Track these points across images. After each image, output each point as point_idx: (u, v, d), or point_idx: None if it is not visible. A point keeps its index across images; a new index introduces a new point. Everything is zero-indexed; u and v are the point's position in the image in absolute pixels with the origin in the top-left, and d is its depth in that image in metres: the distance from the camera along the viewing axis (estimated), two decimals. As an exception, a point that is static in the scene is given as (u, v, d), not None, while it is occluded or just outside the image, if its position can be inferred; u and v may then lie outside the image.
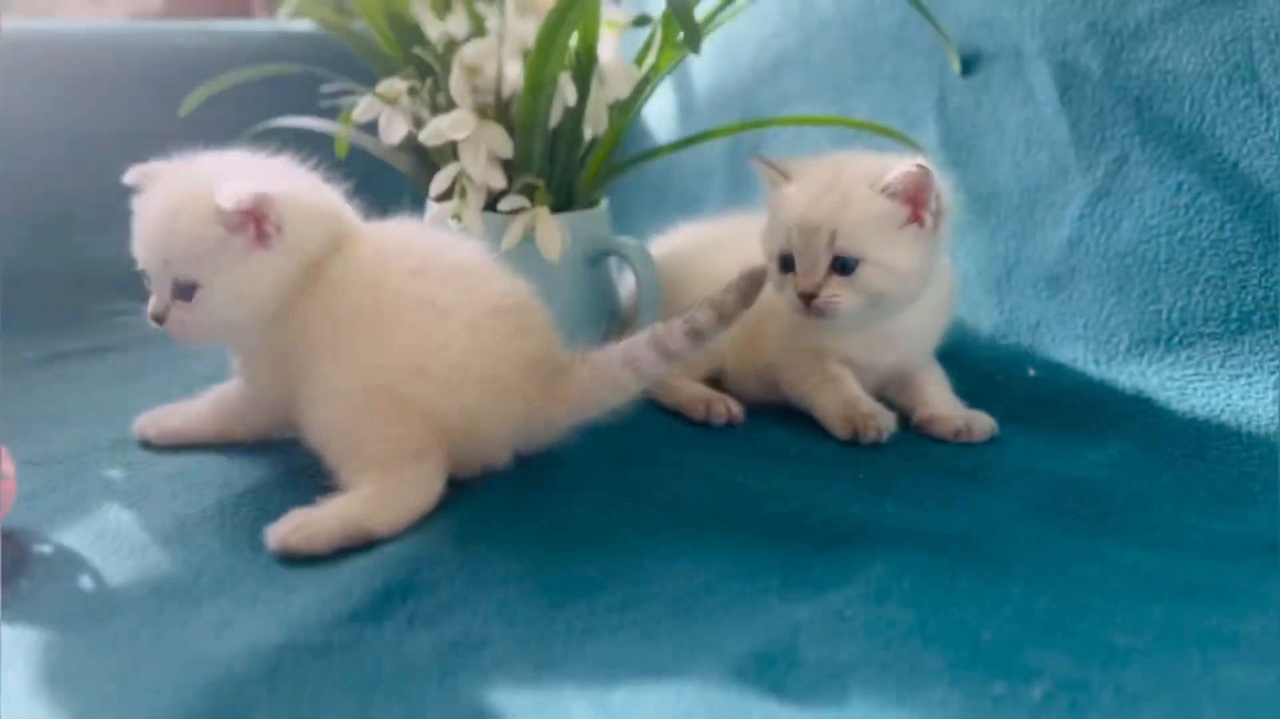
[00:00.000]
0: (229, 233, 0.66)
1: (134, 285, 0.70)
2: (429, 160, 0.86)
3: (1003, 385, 0.82)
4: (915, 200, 0.72)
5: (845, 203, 0.72)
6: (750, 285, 0.65)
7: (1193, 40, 0.79)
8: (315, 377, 0.67)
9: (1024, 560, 0.59)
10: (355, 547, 0.60)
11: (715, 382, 0.84)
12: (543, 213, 0.77)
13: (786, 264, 0.75)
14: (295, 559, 0.60)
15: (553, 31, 0.72)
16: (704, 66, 1.19)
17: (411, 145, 0.83)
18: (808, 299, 0.73)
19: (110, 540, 0.62)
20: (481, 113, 0.77)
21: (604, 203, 0.86)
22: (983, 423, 0.76)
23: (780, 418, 0.80)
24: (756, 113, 1.12)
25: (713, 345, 0.67)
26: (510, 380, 0.66)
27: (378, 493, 0.63)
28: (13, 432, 0.76)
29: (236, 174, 0.68)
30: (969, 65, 0.94)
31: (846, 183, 0.73)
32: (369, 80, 0.86)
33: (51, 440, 0.76)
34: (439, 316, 0.67)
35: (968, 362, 0.85)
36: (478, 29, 0.81)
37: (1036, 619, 0.52)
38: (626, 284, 0.89)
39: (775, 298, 0.76)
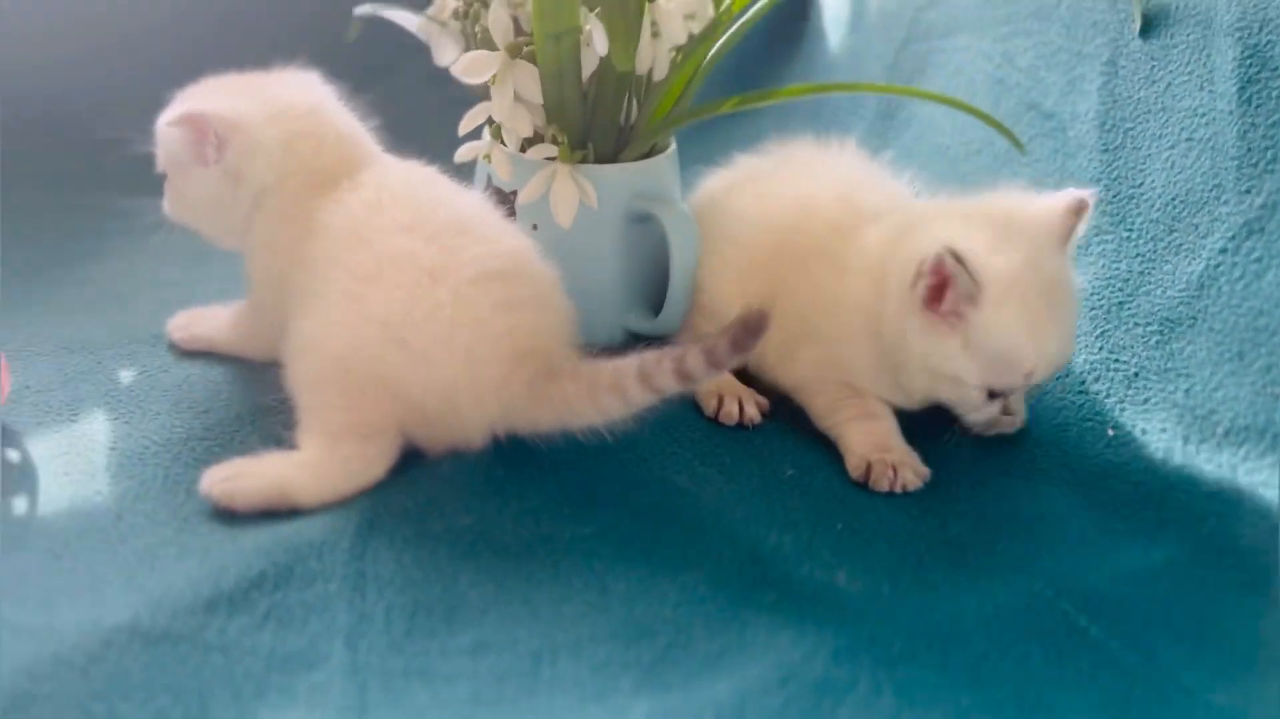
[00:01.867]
0: (186, 142, 0.68)
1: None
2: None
3: (1075, 440, 0.69)
4: None
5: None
6: (747, 334, 0.58)
7: None
8: (296, 322, 0.66)
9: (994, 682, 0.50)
10: (277, 511, 0.61)
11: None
12: (561, 170, 0.70)
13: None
14: (218, 510, 0.61)
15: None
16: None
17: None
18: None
19: (73, 458, 0.65)
20: (515, 50, 0.70)
21: (668, 152, 0.78)
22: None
23: (801, 426, 0.71)
24: (921, 35, 0.97)
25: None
26: (492, 368, 0.63)
27: (313, 463, 0.62)
28: (64, 309, 0.81)
29: (226, 91, 0.70)
30: (1151, 25, 0.76)
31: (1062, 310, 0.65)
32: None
33: (94, 326, 0.80)
34: (426, 281, 0.63)
35: (1048, 399, 0.72)
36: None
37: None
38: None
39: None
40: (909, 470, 0.66)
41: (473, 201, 0.69)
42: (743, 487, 0.66)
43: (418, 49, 0.77)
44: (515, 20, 0.71)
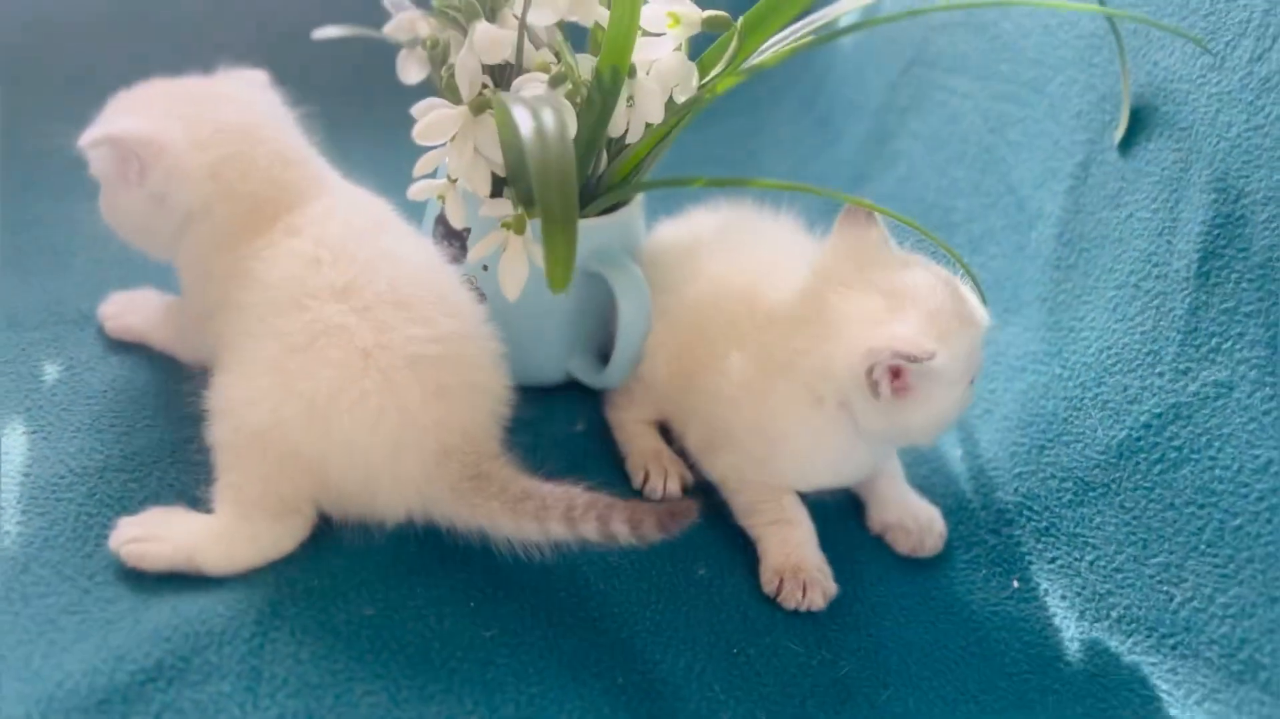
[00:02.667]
0: (109, 161, 0.67)
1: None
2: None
3: (981, 582, 0.71)
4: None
5: None
6: (674, 521, 0.60)
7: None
8: (221, 368, 0.64)
9: None
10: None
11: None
12: (513, 242, 0.68)
13: None
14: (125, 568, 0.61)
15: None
16: None
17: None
18: None
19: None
20: (479, 107, 0.66)
21: (632, 204, 0.75)
22: (934, 534, 0.71)
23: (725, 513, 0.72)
24: (927, 60, 0.93)
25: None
26: (416, 461, 0.63)
27: (224, 534, 0.62)
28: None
29: (157, 105, 0.67)
30: (1130, 138, 0.74)
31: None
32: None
33: (24, 294, 0.77)
34: (358, 361, 0.62)
35: (966, 533, 0.73)
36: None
37: None
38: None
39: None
40: (818, 591, 0.67)
41: (418, 261, 0.67)
42: (652, 585, 0.67)
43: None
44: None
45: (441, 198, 0.70)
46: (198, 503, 0.64)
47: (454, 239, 0.74)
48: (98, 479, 0.66)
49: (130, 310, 0.76)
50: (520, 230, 0.68)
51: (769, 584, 0.68)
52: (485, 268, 0.73)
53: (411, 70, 0.71)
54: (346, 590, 0.63)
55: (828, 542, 0.70)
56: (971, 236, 0.84)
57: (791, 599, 0.67)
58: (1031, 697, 0.64)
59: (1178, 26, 0.70)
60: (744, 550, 0.71)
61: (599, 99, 0.65)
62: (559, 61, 0.68)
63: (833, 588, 0.68)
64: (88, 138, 0.65)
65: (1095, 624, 0.66)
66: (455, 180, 0.69)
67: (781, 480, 0.69)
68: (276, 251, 0.64)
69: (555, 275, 0.51)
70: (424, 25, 0.70)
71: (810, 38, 0.69)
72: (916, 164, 0.92)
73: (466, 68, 0.66)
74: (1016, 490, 0.73)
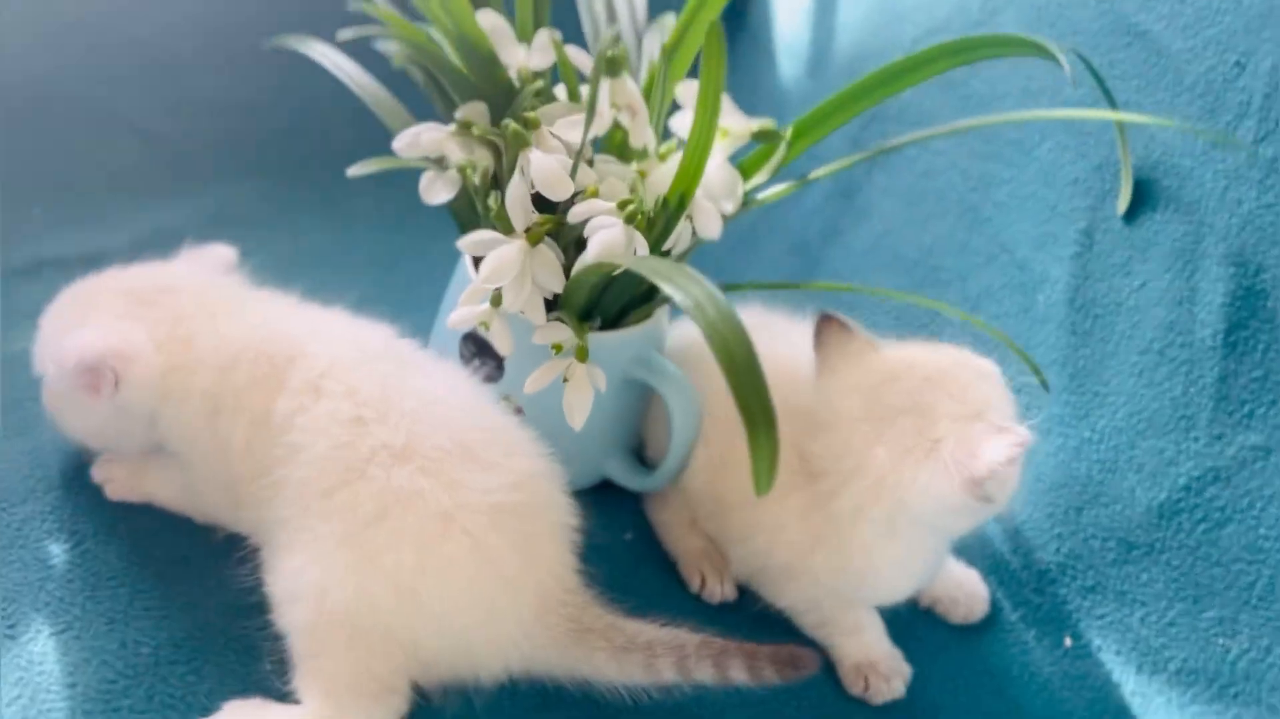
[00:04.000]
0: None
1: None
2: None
3: (1031, 642, 0.74)
4: None
5: None
6: (794, 669, 0.60)
7: None
8: (278, 548, 0.60)
9: None
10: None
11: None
12: (577, 371, 0.65)
13: None
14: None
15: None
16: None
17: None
18: None
19: (24, 697, 0.57)
20: (537, 238, 0.63)
21: (662, 311, 0.73)
22: (981, 599, 0.75)
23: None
24: (892, 115, 0.94)
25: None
26: (515, 622, 0.60)
27: None
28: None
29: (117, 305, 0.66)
30: (1134, 212, 0.78)
31: None
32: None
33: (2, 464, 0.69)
34: (437, 526, 0.58)
35: (1009, 592, 0.77)
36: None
37: None
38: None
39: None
40: (899, 680, 0.69)
41: (461, 396, 0.64)
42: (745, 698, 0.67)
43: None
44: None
45: (485, 325, 0.66)
46: (270, 689, 0.59)
47: (488, 356, 0.70)
48: (153, 677, 0.60)
49: (131, 469, 0.69)
50: (583, 358, 0.65)
51: (855, 684, 0.69)
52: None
53: (440, 192, 0.66)
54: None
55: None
56: (967, 296, 0.86)
57: (879, 695, 0.68)
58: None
59: (1180, 123, 0.73)
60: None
61: (660, 222, 0.63)
62: (601, 180, 0.65)
63: (908, 669, 0.70)
64: (55, 362, 0.63)
65: (1154, 677, 0.71)
66: (498, 304, 0.65)
67: (874, 602, 0.70)
68: (312, 418, 0.60)
69: (762, 478, 0.50)
70: (453, 147, 0.65)
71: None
72: (891, 219, 0.94)
73: (519, 198, 0.62)
74: (1058, 551, 0.76)
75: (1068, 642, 0.74)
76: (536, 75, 0.68)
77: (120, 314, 0.65)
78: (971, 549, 0.78)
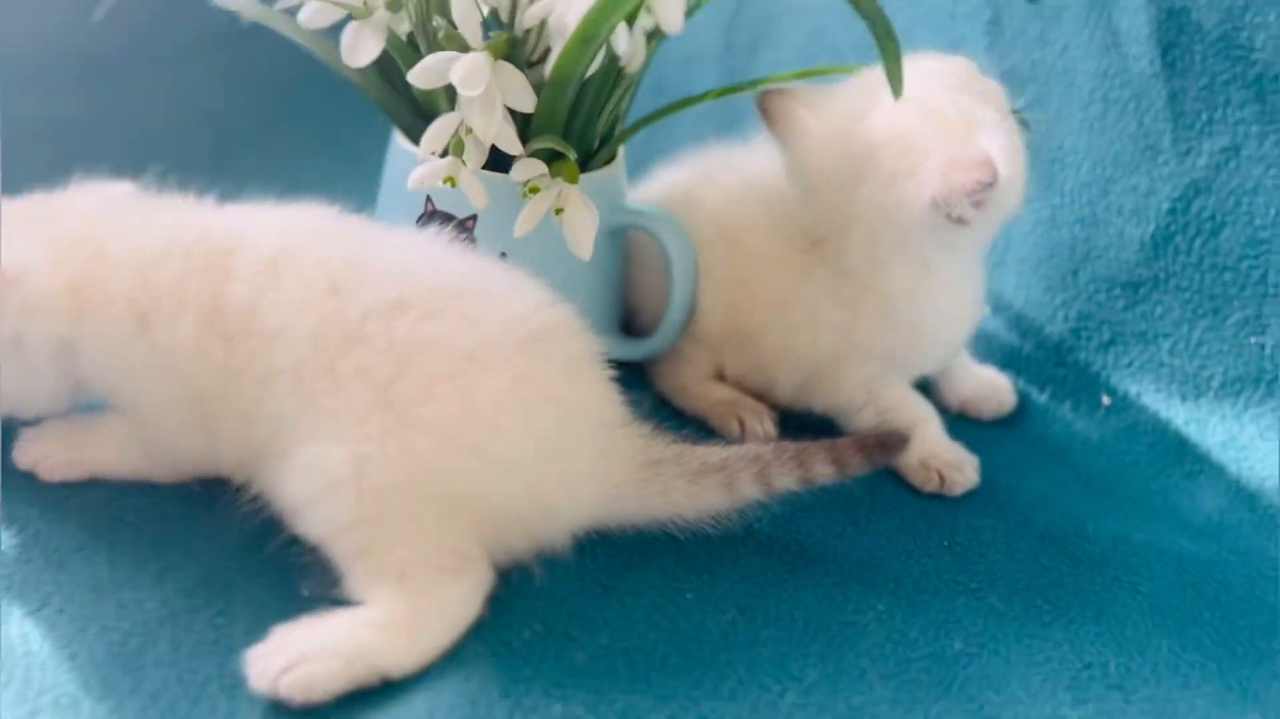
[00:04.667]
0: None
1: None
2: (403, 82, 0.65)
3: (1069, 414, 0.72)
4: None
5: None
6: (883, 451, 0.56)
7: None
8: (301, 450, 0.50)
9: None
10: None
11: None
12: (573, 194, 0.59)
13: None
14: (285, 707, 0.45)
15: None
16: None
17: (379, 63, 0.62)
18: None
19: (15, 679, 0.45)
20: (499, 51, 0.57)
21: (620, 155, 0.68)
22: (1007, 389, 0.72)
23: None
24: (774, 25, 0.93)
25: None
26: (585, 454, 0.53)
27: (399, 618, 0.48)
28: None
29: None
30: (1031, -12, 0.79)
31: None
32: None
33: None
34: (467, 363, 0.50)
35: (1031, 377, 0.74)
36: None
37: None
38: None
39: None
40: (970, 468, 0.65)
41: (442, 251, 0.57)
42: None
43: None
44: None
45: (449, 180, 0.59)
46: (314, 606, 0.49)
47: (456, 228, 0.63)
48: (172, 628, 0.48)
49: (64, 440, 0.57)
50: (574, 178, 0.59)
51: (929, 482, 0.64)
52: (504, 254, 0.63)
53: (368, 47, 0.59)
54: (569, 630, 0.51)
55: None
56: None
57: (956, 485, 0.64)
58: (1176, 482, 0.66)
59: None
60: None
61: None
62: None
63: (974, 457, 0.66)
64: None
65: (1200, 400, 0.69)
66: (463, 151, 0.58)
67: (924, 364, 0.66)
68: (282, 297, 0.51)
69: (895, 79, 0.46)
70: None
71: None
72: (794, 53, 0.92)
73: (467, 12, 0.57)
74: (1065, 319, 0.75)
75: (1105, 400, 0.72)
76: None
77: (8, 233, 0.54)
78: (977, 346, 0.75)
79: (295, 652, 0.46)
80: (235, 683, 0.46)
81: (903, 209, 0.59)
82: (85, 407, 0.58)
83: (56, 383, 0.56)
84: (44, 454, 0.57)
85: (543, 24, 0.59)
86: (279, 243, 0.54)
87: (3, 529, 0.53)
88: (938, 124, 0.59)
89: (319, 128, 0.89)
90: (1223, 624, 0.56)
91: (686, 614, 0.53)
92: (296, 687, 0.45)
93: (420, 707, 0.46)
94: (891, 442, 0.57)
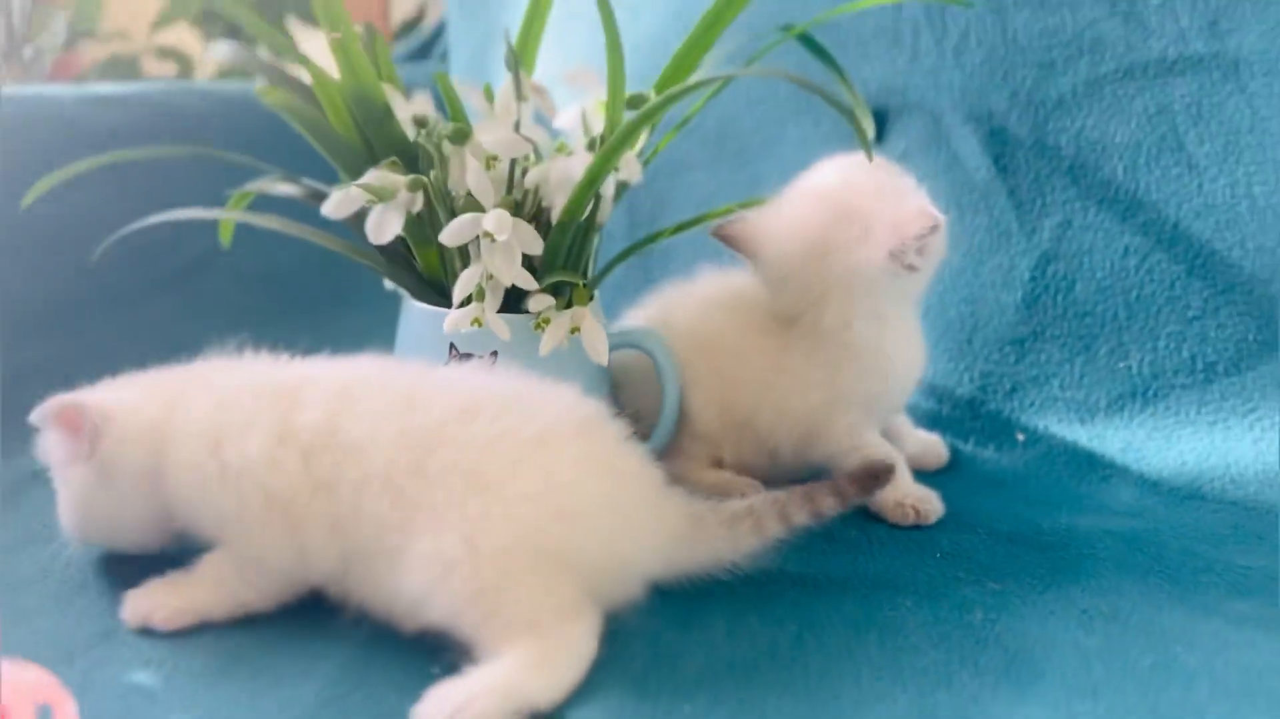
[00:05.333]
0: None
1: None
2: (402, 253, 0.77)
3: (994, 454, 0.86)
4: None
5: None
6: (872, 480, 0.68)
7: (1118, 113, 0.87)
8: (398, 555, 0.58)
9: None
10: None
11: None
12: (586, 314, 0.71)
13: None
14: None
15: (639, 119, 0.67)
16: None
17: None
18: None
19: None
20: (512, 206, 0.69)
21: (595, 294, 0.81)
22: (942, 444, 0.86)
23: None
24: (654, 180, 1.10)
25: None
26: (644, 511, 0.62)
27: (538, 658, 0.55)
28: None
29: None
30: (880, 132, 0.98)
31: None
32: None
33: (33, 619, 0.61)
34: (536, 446, 0.60)
35: (956, 432, 0.89)
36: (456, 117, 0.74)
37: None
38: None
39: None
40: (936, 500, 0.77)
41: (469, 369, 0.69)
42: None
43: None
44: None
45: (477, 322, 0.70)
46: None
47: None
48: (342, 711, 0.54)
49: (169, 592, 0.62)
50: (584, 301, 0.71)
51: (905, 517, 0.76)
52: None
53: (391, 224, 0.71)
54: (670, 657, 0.59)
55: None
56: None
57: (931, 514, 0.76)
58: (1094, 487, 0.81)
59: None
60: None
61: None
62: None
63: (935, 492, 0.78)
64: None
65: (1095, 420, 0.85)
66: (485, 297, 0.70)
67: (895, 402, 0.79)
68: (357, 415, 0.61)
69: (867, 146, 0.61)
70: (395, 178, 0.71)
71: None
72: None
73: (480, 181, 0.69)
74: (970, 380, 0.90)
75: (1020, 437, 0.87)
76: (420, 120, 0.76)
77: (105, 386, 0.66)
78: (909, 415, 0.89)
79: (460, 698, 0.53)
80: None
81: (867, 267, 0.73)
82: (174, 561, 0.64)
83: (145, 510, 0.64)
84: (154, 607, 0.62)
85: (537, 188, 0.72)
86: (348, 375, 0.64)
87: (139, 670, 0.58)
88: (876, 196, 0.74)
89: (320, 318, 1.00)
90: (1167, 569, 0.69)
91: (755, 634, 0.62)
92: (479, 721, 0.52)
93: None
94: (881, 471, 0.69)
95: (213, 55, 0.82)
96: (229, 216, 0.80)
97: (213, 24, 1.61)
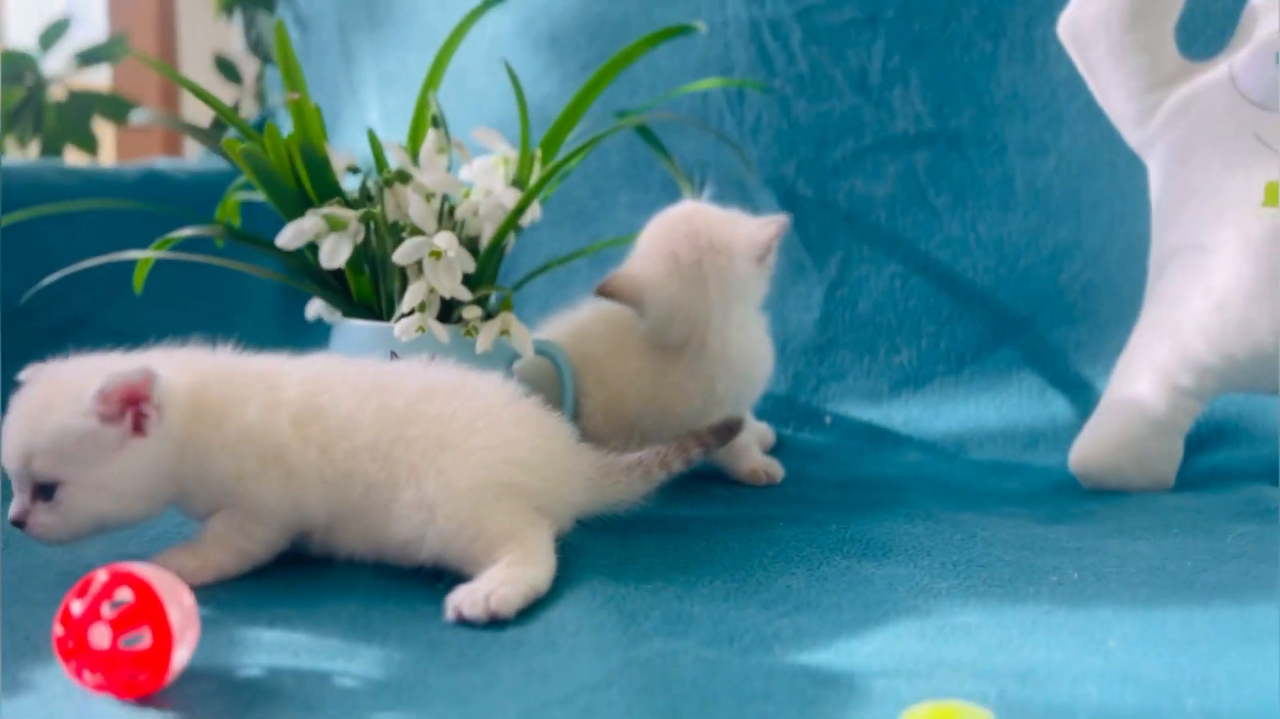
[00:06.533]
0: (101, 424, 0.69)
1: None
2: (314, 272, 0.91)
3: (809, 434, 1.09)
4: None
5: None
6: (728, 433, 0.88)
7: (877, 175, 1.15)
8: (404, 499, 0.72)
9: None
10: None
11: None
12: (512, 319, 0.88)
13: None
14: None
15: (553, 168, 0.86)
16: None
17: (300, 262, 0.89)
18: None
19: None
20: (452, 228, 0.86)
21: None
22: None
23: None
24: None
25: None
26: (579, 463, 0.79)
27: (523, 555, 0.71)
28: None
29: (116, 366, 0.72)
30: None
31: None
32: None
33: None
34: (487, 415, 0.76)
35: (776, 420, 1.11)
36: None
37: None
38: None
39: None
40: (777, 467, 0.98)
41: (414, 364, 0.83)
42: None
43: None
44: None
45: (422, 328, 0.86)
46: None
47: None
48: (396, 603, 0.68)
49: (188, 555, 0.73)
50: (509, 307, 0.89)
51: (760, 479, 0.97)
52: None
53: (342, 251, 0.85)
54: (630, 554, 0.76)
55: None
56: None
57: (778, 476, 0.98)
58: (888, 451, 1.06)
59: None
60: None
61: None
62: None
63: (776, 460, 1.00)
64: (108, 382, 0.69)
65: (882, 402, 1.10)
66: (427, 309, 0.86)
67: (758, 393, 0.99)
68: (339, 396, 0.75)
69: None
70: (346, 211, 0.86)
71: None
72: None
73: (422, 210, 0.86)
74: (785, 380, 1.14)
75: (828, 419, 1.10)
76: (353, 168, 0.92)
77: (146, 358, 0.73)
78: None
79: (485, 589, 0.67)
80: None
81: (743, 274, 0.93)
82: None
83: (165, 478, 0.72)
84: (178, 568, 0.72)
85: (464, 221, 0.89)
86: (316, 366, 0.78)
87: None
88: (724, 223, 0.94)
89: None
90: (953, 493, 0.93)
91: (679, 549, 0.79)
92: (502, 604, 0.66)
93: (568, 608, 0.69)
94: (733, 424, 0.88)
95: (134, 120, 0.94)
96: (159, 256, 0.90)
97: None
